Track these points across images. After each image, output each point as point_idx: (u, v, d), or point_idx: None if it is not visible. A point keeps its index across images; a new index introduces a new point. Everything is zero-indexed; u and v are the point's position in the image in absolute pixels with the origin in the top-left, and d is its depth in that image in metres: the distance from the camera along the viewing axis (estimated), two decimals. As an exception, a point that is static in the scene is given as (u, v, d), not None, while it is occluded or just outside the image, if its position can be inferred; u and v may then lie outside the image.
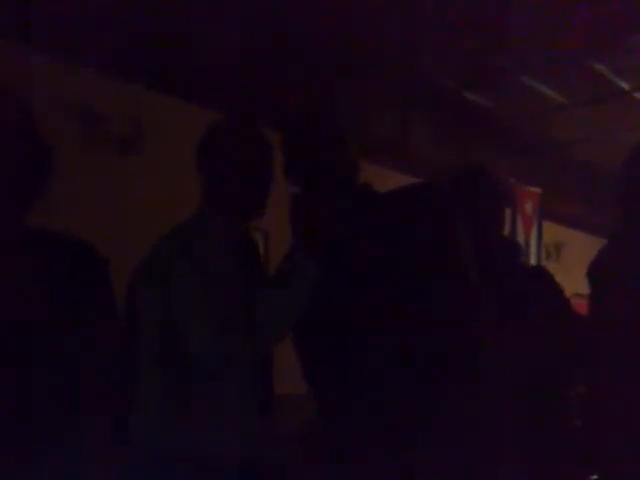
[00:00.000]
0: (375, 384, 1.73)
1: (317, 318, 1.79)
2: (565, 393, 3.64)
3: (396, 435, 1.69)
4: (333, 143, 1.87)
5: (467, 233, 1.81)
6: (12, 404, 1.35)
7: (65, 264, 1.46)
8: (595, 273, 2.75)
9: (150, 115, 4.38)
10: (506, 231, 7.05)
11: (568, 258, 8.02)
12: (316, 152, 1.87)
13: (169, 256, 1.83)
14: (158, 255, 1.88)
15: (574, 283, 6.79)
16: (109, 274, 1.54)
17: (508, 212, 6.89)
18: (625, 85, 5.22)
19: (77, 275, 1.46)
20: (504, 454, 1.76)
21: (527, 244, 6.90)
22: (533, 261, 6.94)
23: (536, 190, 7.09)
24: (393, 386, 1.70)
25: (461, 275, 1.75)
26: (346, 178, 1.88)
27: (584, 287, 4.23)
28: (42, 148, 1.49)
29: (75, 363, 1.42)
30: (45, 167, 1.49)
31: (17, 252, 1.43)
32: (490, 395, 1.75)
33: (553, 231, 7.88)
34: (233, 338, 1.74)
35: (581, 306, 7.42)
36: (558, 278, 3.30)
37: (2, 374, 1.34)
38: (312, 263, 1.76)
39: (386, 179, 2.03)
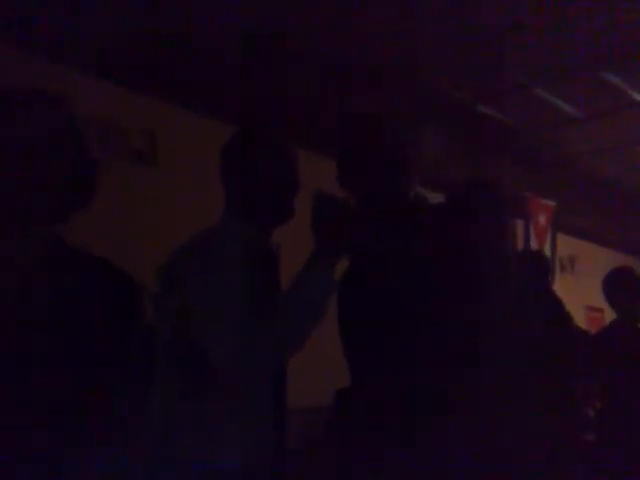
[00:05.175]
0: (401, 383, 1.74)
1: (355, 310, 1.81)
2: (581, 407, 3.63)
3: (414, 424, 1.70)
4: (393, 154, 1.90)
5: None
6: (32, 415, 1.35)
7: (90, 286, 1.45)
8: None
9: (164, 128, 4.41)
10: (519, 243, 7.00)
11: (582, 271, 7.97)
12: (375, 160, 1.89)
13: (186, 263, 1.84)
14: (176, 261, 1.89)
15: (588, 295, 6.75)
16: (138, 302, 1.54)
17: (521, 224, 6.88)
18: (639, 97, 5.20)
19: (100, 298, 1.46)
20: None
21: (541, 257, 6.87)
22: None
23: (550, 203, 7.07)
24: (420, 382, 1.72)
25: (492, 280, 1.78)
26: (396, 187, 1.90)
27: (598, 300, 4.20)
28: (89, 163, 1.51)
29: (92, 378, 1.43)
30: (90, 182, 1.51)
31: (43, 263, 1.43)
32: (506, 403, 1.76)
33: (567, 243, 7.84)
34: (250, 348, 1.73)
35: (595, 319, 7.38)
36: (572, 290, 3.31)
37: (27, 390, 1.35)
38: (326, 268, 1.75)
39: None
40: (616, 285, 3.72)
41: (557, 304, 3.51)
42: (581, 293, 6.76)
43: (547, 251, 7.03)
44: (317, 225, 1.78)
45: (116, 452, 1.42)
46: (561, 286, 5.82)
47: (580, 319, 5.75)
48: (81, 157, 1.49)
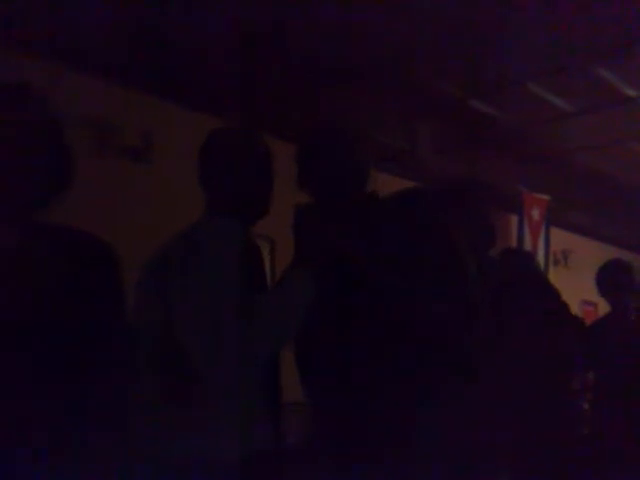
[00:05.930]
0: (372, 395, 1.76)
1: (316, 328, 1.83)
2: (576, 400, 3.66)
3: (392, 445, 1.72)
4: (345, 156, 1.95)
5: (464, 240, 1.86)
6: (17, 403, 1.37)
7: (76, 260, 1.49)
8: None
9: (160, 126, 4.42)
10: (513, 238, 7.01)
11: (576, 265, 8.01)
12: (328, 165, 1.94)
13: (172, 258, 1.86)
14: (162, 257, 1.91)
15: (582, 290, 6.78)
16: (120, 272, 1.57)
17: (515, 219, 6.90)
18: (632, 92, 5.23)
19: (88, 272, 1.49)
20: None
21: (534, 250, 6.91)
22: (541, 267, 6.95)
23: (544, 197, 7.09)
24: (389, 396, 1.74)
25: (461, 283, 1.79)
26: (355, 191, 1.94)
27: (592, 294, 4.23)
28: (64, 151, 1.55)
29: (80, 361, 1.44)
30: (65, 169, 1.55)
31: (29, 246, 1.46)
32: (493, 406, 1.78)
33: (561, 238, 7.88)
34: (233, 343, 1.74)
35: (589, 312, 7.40)
36: (566, 284, 3.32)
37: (8, 371, 1.36)
38: (307, 274, 1.80)
39: (394, 187, 2.06)
40: (609, 278, 3.74)
41: (553, 294, 3.52)
42: (574, 287, 6.78)
43: (541, 245, 7.07)
44: (298, 234, 1.85)
45: (110, 452, 1.44)
46: (555, 280, 5.85)
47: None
48: (57, 146, 1.54)
